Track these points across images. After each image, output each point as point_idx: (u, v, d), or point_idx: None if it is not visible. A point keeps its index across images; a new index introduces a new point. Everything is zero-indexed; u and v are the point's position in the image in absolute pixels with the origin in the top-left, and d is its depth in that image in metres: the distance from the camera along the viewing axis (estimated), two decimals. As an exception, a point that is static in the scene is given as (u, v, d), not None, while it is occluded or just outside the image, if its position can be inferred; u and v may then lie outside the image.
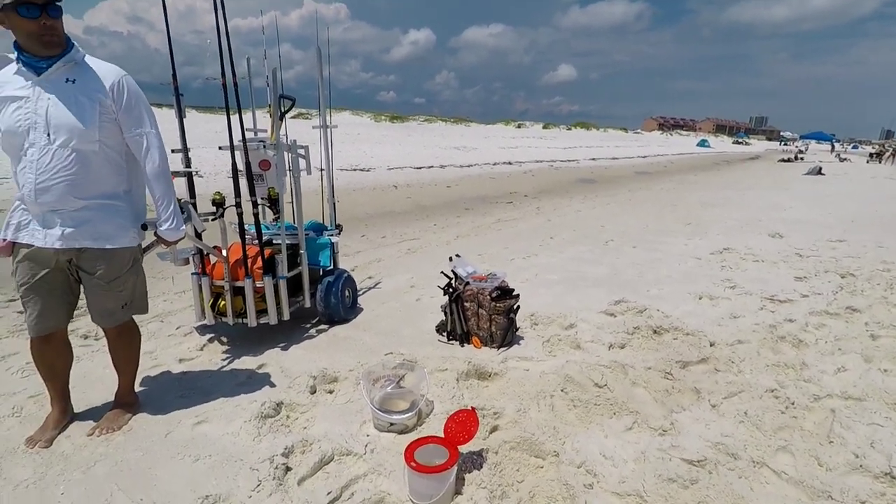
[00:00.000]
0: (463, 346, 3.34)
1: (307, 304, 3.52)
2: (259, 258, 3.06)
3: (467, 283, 3.36)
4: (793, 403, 2.60)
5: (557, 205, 10.91)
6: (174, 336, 3.42)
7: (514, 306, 3.33)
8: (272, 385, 2.79)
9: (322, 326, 3.63)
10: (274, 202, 3.19)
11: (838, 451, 2.21)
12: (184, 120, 2.92)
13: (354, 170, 14.49)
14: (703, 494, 1.90)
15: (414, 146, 24.04)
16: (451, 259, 3.61)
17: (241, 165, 2.96)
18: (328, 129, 3.96)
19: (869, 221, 8.82)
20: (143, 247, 2.35)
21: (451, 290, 3.39)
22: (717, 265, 5.55)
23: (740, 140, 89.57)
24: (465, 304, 3.32)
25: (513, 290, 3.39)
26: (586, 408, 2.52)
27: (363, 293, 4.44)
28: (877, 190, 15.67)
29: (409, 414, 2.33)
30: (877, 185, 17.66)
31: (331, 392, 2.73)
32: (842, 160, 35.93)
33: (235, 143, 2.91)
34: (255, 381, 2.85)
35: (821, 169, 21.92)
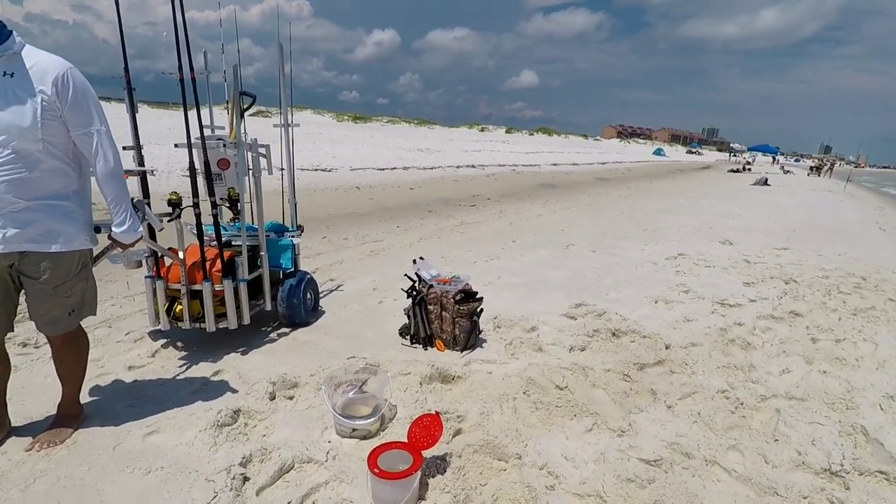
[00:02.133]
0: (426, 349, 3.33)
1: (268, 307, 3.43)
2: (218, 260, 2.96)
3: (431, 286, 3.36)
4: (742, 404, 2.72)
5: (519, 209, 11.05)
6: (123, 342, 3.26)
7: (478, 309, 3.34)
8: (230, 392, 2.70)
9: (283, 330, 3.55)
10: (234, 202, 3.09)
11: (783, 449, 2.33)
12: (136, 116, 2.79)
13: (316, 170, 14.27)
14: (660, 493, 1.95)
15: (377, 147, 23.90)
16: (414, 262, 3.60)
17: (198, 164, 2.86)
18: (290, 128, 3.88)
19: (809, 231, 9.34)
20: (94, 252, 2.23)
21: (414, 292, 3.37)
22: (671, 270, 5.75)
23: (693, 150, 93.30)
24: (429, 307, 3.31)
25: (476, 292, 3.41)
26: (548, 410, 2.56)
27: (325, 296, 4.37)
28: (816, 201, 16.64)
29: (372, 419, 2.30)
30: (817, 196, 18.75)
31: (291, 398, 2.67)
32: (785, 172, 37.95)
33: (193, 140, 2.81)
34: (211, 387, 2.75)
35: (767, 180, 23.09)
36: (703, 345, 3.50)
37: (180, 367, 2.96)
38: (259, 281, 3.37)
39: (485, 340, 3.46)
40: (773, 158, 59.33)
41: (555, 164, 27.20)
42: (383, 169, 16.55)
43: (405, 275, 3.58)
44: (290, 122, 3.87)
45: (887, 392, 2.91)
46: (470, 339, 3.30)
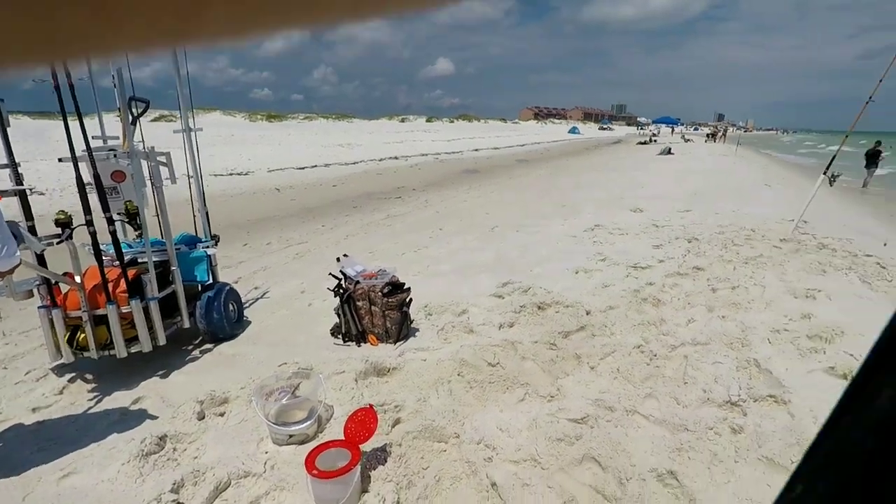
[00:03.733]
0: (360, 345, 3.32)
1: (186, 324, 3.26)
2: (122, 280, 2.78)
3: (357, 282, 3.34)
4: (655, 355, 2.95)
5: (444, 196, 11.16)
6: (24, 383, 2.98)
7: (407, 300, 3.37)
8: (152, 418, 2.56)
9: (206, 346, 3.40)
10: (133, 217, 2.90)
11: (691, 390, 2.56)
12: (7, 130, 2.52)
13: (231, 174, 13.62)
14: (588, 447, 2.09)
15: (295, 146, 23.15)
16: (338, 260, 3.56)
17: (89, 178, 2.65)
18: (192, 133, 3.68)
19: (708, 193, 10.16)
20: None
21: (341, 290, 3.34)
22: (589, 241, 6.06)
23: (605, 126, 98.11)
24: (358, 303, 3.30)
25: (403, 283, 3.43)
26: (482, 387, 2.65)
27: (249, 305, 4.22)
28: (713, 166, 18.08)
29: (308, 423, 2.28)
30: (713, 161, 20.37)
31: (222, 415, 2.57)
32: (686, 141, 40.83)
33: (79, 152, 2.60)
34: (131, 417, 2.59)
35: (671, 149, 24.75)
36: (620, 307, 3.74)
37: (93, 400, 2.76)
38: (174, 298, 3.20)
39: (417, 329, 3.50)
40: (672, 129, 63.73)
41: (476, 150, 27.62)
42: (303, 168, 16.09)
43: (330, 274, 3.53)
44: (191, 126, 3.67)
45: (773, 327, 3.26)
46: (402, 330, 3.33)
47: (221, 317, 3.38)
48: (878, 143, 15.45)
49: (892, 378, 0.12)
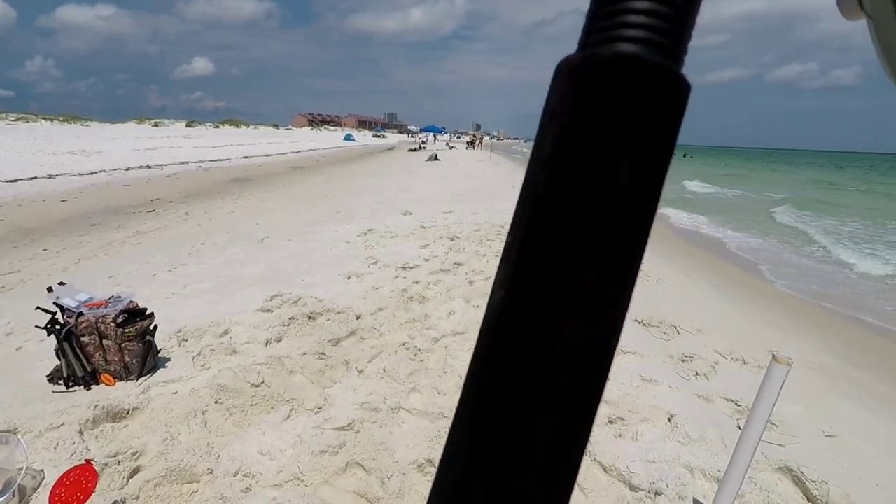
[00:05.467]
0: (89, 388, 2.77)
1: None
2: None
3: (80, 314, 2.78)
4: (419, 350, 3.15)
5: (209, 207, 10.14)
6: None
7: (150, 327, 2.94)
8: None
9: None
10: None
11: (450, 378, 2.81)
12: None
13: None
14: (351, 453, 2.12)
15: (4, 153, 18.32)
16: (50, 290, 2.91)
17: None
18: None
19: (467, 194, 11.37)
20: None
21: (56, 327, 2.74)
22: (362, 245, 6.19)
23: (378, 133, 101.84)
24: (83, 338, 2.75)
25: (144, 309, 2.99)
26: (243, 411, 2.46)
27: (-82, 361, 3.17)
28: (471, 170, 20.32)
29: (2, 499, 1.80)
30: (471, 166, 22.90)
31: None
32: (450, 148, 45.04)
33: None
34: None
35: (437, 155, 26.96)
36: (389, 307, 3.90)
37: None
38: None
39: (168, 359, 3.09)
40: (434, 137, 69.64)
41: (246, 157, 25.82)
42: (16, 180, 12.81)
43: (38, 308, 2.86)
44: None
45: (517, 310, 3.80)
46: (146, 362, 2.89)
47: None
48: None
49: (553, 125, 0.15)
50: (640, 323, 3.72)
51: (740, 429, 2.46)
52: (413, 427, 2.38)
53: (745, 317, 4.88)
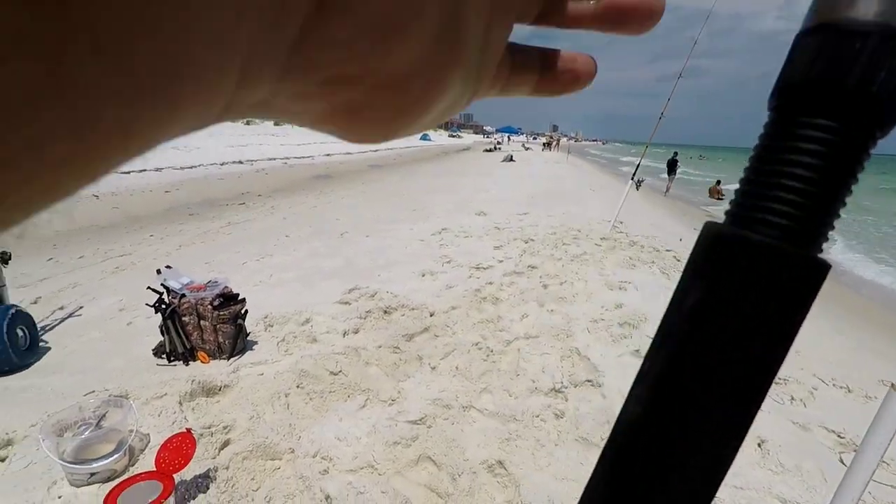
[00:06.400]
0: (188, 364, 3.02)
1: (-49, 356, 2.67)
2: None
3: (183, 296, 3.04)
4: (492, 351, 3.15)
5: (293, 202, 10.71)
6: None
7: (242, 311, 3.16)
8: None
9: (-16, 381, 2.82)
10: None
11: (522, 381, 2.78)
12: None
13: (30, 178, 11.50)
14: (423, 447, 2.16)
15: (116, 146, 20.34)
16: (159, 272, 3.20)
17: None
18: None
19: (543, 196, 11.20)
20: None
21: (163, 306, 3.01)
22: (436, 244, 6.28)
23: (454, 134, 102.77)
24: (184, 318, 3.00)
25: (237, 294, 3.21)
26: (322, 397, 2.58)
27: (51, 328, 3.60)
28: (547, 172, 20.00)
29: (115, 457, 2.01)
30: (548, 168, 22.54)
31: (3, 460, 2.15)
32: (526, 149, 44.61)
33: None
34: None
35: (512, 156, 26.81)
36: (462, 306, 3.93)
37: None
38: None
39: (255, 342, 3.30)
40: (509, 138, 69.17)
41: (328, 155, 27.02)
42: (128, 172, 14.18)
43: (148, 288, 3.16)
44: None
45: (592, 317, 3.70)
46: (237, 344, 3.10)
47: (4, 346, 2.82)
48: (675, 153, 18.51)
49: (696, 283, 0.17)
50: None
51: (844, 464, 2.25)
52: (484, 427, 2.38)
53: (851, 341, 4.44)
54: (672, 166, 17.98)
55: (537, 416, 2.45)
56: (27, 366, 3.01)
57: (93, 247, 6.47)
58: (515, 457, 2.16)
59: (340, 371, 2.81)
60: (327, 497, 1.89)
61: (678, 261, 5.64)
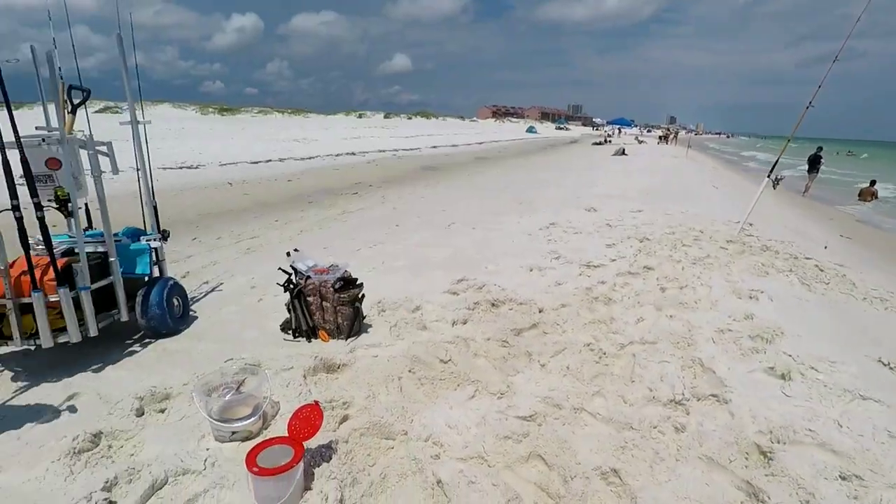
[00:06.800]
0: (310, 341, 3.25)
1: (124, 316, 3.11)
2: (51, 269, 2.62)
3: (308, 277, 3.27)
4: (605, 353, 3.02)
5: (402, 193, 11.10)
6: (-57, 377, 2.78)
7: (359, 295, 3.33)
8: (87, 415, 2.42)
9: (148, 341, 3.25)
10: (63, 203, 2.75)
11: (638, 388, 2.64)
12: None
13: (182, 168, 13.11)
14: (534, 444, 2.12)
15: (248, 140, 22.53)
16: (288, 254, 3.48)
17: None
18: (141, 125, 3.49)
19: (659, 193, 10.52)
20: None
21: (291, 286, 3.27)
22: (544, 239, 6.16)
23: (561, 126, 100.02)
24: (308, 298, 3.24)
25: (356, 279, 3.39)
26: (433, 384, 2.65)
27: (197, 300, 4.07)
28: (664, 167, 18.73)
29: (252, 419, 2.22)
30: (664, 162, 21.11)
31: (162, 411, 2.47)
32: (640, 142, 42.16)
33: (8, 140, 2.45)
34: (62, 414, 2.45)
35: (624, 150, 25.49)
36: (572, 305, 3.82)
37: (21, 396, 2.60)
38: (113, 290, 3.04)
39: (370, 325, 3.47)
40: (620, 130, 65.51)
41: (434, 147, 27.60)
42: (257, 162, 15.64)
43: (279, 268, 3.44)
44: (139, 118, 3.49)
45: (718, 327, 3.40)
46: (354, 326, 3.28)
47: (164, 311, 3.24)
48: (820, 148, 16.32)
49: None
50: (885, 365, 3.04)
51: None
52: (597, 432, 2.29)
53: None
54: (815, 163, 15.88)
55: (655, 427, 2.30)
56: (179, 331, 3.43)
57: (228, 229, 7.20)
58: (631, 467, 2.05)
59: (450, 360, 2.86)
60: (439, 481, 1.93)
61: (821, 271, 5.00)
